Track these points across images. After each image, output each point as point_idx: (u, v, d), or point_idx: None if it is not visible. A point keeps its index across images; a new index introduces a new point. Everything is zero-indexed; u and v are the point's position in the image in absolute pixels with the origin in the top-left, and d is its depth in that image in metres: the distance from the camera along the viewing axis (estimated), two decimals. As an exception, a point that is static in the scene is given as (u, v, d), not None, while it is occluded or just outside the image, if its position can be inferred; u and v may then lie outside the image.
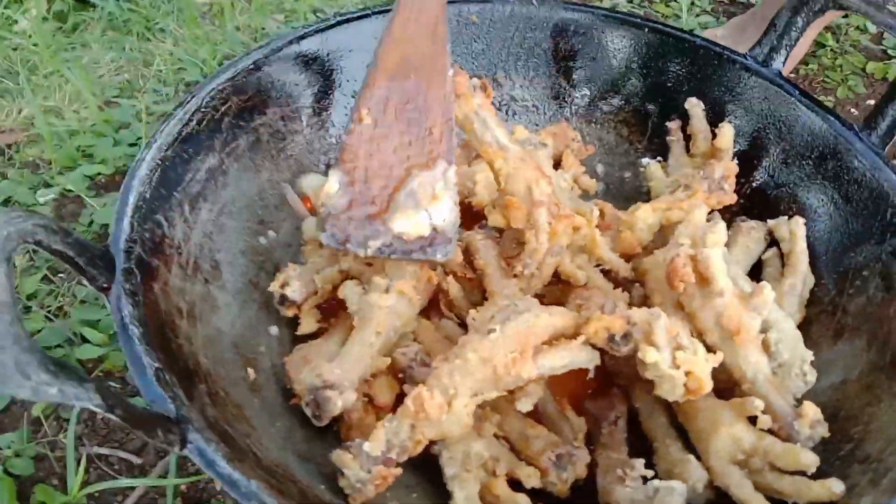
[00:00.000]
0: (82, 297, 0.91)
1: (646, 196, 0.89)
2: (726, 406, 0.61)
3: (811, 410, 0.60)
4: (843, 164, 0.76)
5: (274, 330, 0.72)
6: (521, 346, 0.58)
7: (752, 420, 0.60)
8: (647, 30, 0.87)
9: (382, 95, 0.66)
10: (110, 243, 0.58)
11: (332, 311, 0.72)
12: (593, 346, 0.61)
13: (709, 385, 0.58)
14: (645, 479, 0.58)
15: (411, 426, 0.56)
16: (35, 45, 1.36)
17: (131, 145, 1.15)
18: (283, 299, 0.70)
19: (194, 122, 0.69)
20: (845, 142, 0.77)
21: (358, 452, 0.55)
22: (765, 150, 0.84)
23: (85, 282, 0.55)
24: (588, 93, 0.93)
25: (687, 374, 0.57)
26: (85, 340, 0.86)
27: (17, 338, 0.41)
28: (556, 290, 0.74)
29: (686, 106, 0.87)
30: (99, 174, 1.10)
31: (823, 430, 0.60)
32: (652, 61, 0.89)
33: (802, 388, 0.66)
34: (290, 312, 0.71)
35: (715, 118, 0.86)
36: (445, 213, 0.64)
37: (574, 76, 0.92)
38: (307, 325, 0.71)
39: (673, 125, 0.89)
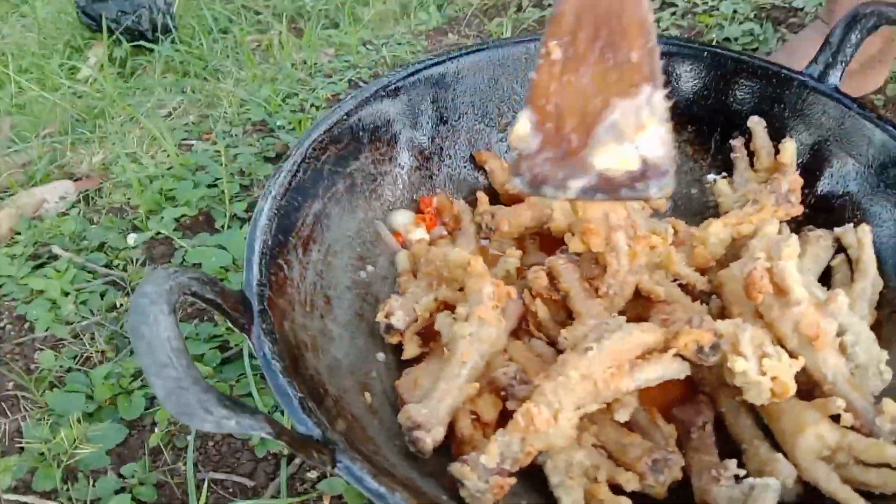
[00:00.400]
0: (186, 333, 0.98)
1: (713, 211, 0.93)
2: (810, 406, 0.66)
3: (892, 407, 0.64)
4: (905, 173, 0.80)
5: (381, 356, 0.78)
6: (617, 361, 0.63)
7: (835, 419, 0.65)
8: (706, 54, 0.92)
9: (571, 24, 0.60)
10: (244, 288, 0.66)
11: (432, 335, 0.79)
12: (683, 358, 0.66)
13: (793, 388, 0.62)
14: (738, 479, 0.63)
15: (522, 439, 0.62)
16: (98, 91, 1.45)
17: (209, 186, 1.23)
18: (389, 328, 0.76)
19: (300, 172, 0.77)
20: (902, 147, 0.80)
21: (475, 465, 0.61)
22: (826, 162, 0.88)
23: (229, 324, 0.62)
24: (651, 117, 0.98)
25: (773, 379, 0.62)
26: (195, 374, 0.94)
27: (196, 379, 0.48)
28: (638, 306, 0.78)
29: (749, 124, 0.92)
30: (184, 216, 1.17)
31: (904, 426, 0.64)
32: (713, 83, 0.93)
33: (880, 386, 0.70)
34: (394, 340, 0.78)
35: (776, 134, 0.90)
36: (656, 144, 0.57)
37: (637, 102, 0.97)
38: (410, 350, 0.78)
39: (737, 143, 0.93)
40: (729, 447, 0.70)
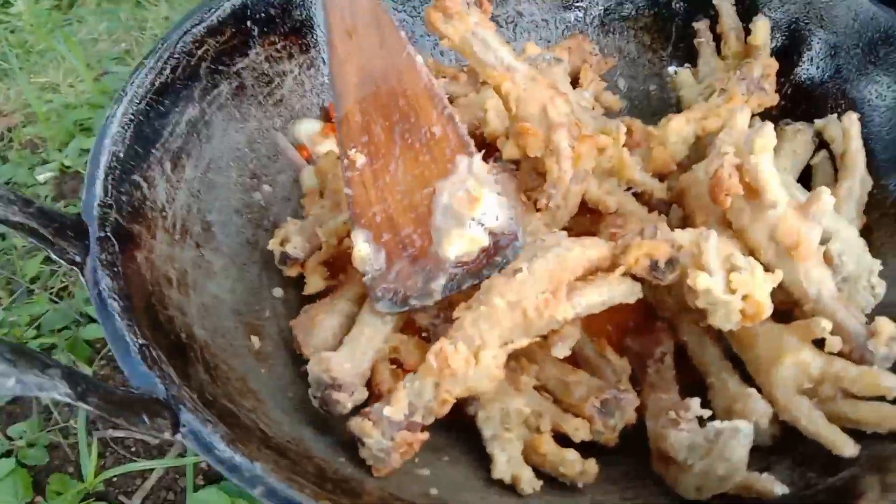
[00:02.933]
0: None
1: (675, 109, 0.81)
2: (788, 330, 0.55)
3: (887, 327, 0.54)
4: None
5: (278, 292, 0.67)
6: (552, 284, 0.52)
7: (819, 343, 0.54)
8: (662, -81, 0.78)
9: (360, 122, 0.56)
10: (82, 210, 0.52)
11: (341, 265, 0.66)
12: (634, 277, 0.54)
13: (769, 309, 0.52)
14: (701, 420, 0.52)
15: (435, 384, 0.50)
16: (32, 25, 1.34)
17: (130, 113, 1.12)
18: (285, 258, 0.64)
19: (168, 70, 0.63)
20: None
21: (378, 418, 0.50)
22: (805, 44, 0.76)
23: (54, 256, 0.49)
24: (601, -2, 0.85)
25: (744, 298, 0.51)
26: (91, 320, 0.83)
27: None
28: (585, 221, 0.67)
29: (714, 1, 0.80)
30: None
31: (902, 348, 0.54)
32: (671, -45, 0.80)
33: (872, 302, 0.61)
34: (293, 272, 0.66)
35: (746, 13, 0.79)
36: (496, 209, 0.56)
37: (585, -20, 0.84)
38: (313, 284, 0.65)
39: (700, 25, 0.82)
40: (693, 384, 0.59)
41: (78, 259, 0.49)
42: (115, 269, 0.50)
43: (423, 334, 0.61)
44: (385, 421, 0.50)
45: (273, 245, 0.64)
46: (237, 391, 0.51)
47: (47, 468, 0.72)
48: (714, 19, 0.81)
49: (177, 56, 0.64)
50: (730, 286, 0.51)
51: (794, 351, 0.54)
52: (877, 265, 0.60)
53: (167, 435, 0.41)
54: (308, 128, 0.76)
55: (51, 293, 0.86)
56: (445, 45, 0.63)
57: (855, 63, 0.72)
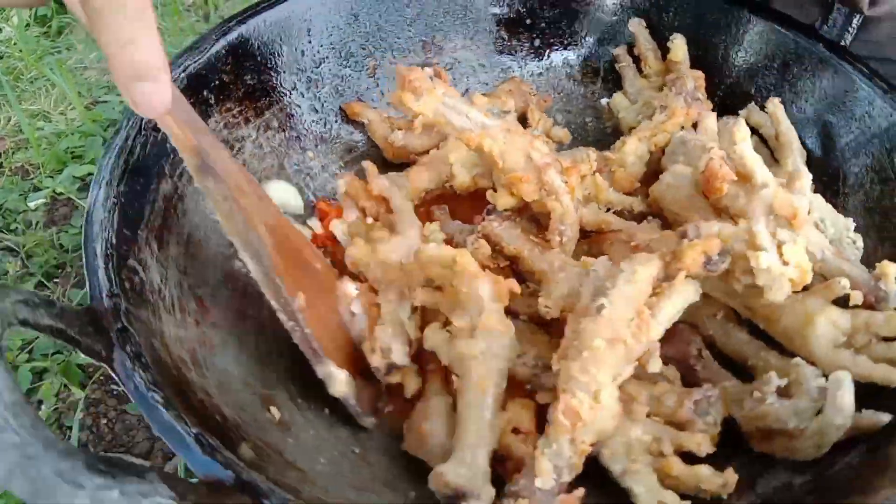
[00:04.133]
0: (78, 300, 0.86)
1: (611, 136, 0.84)
2: (810, 294, 0.58)
3: (891, 268, 0.57)
4: (807, 68, 0.75)
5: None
6: (636, 309, 0.51)
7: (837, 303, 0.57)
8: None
9: (283, 267, 0.55)
10: (92, 303, 0.46)
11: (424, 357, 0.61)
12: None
13: (811, 273, 0.54)
14: (779, 391, 0.53)
15: (570, 440, 0.48)
16: (21, 51, 1.29)
17: (121, 142, 1.06)
18: (391, 367, 0.59)
19: (138, 148, 0.58)
20: (805, 43, 0.75)
21: (531, 493, 0.48)
22: (725, 63, 0.81)
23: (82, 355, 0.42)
24: (531, 41, 0.87)
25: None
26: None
27: (49, 442, 0.34)
28: (583, 245, 0.68)
29: (630, 27, 0.84)
30: (89, 174, 1.02)
31: (907, 283, 0.58)
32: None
33: (858, 254, 0.65)
34: (395, 378, 0.60)
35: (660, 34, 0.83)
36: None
37: (515, 27, 0.86)
38: (412, 384, 0.60)
39: (619, 50, 0.85)
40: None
41: (105, 354, 0.43)
42: (143, 360, 0.45)
43: (527, 387, 0.58)
44: (538, 494, 0.47)
45: (376, 362, 0.58)
46: (280, 466, 0.48)
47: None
48: (630, 44, 0.85)
49: (143, 132, 0.59)
50: (782, 258, 0.53)
51: (822, 311, 0.56)
52: (850, 223, 0.66)
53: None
54: (280, 190, 0.73)
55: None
56: (419, 122, 0.64)
57: (772, 82, 0.78)
